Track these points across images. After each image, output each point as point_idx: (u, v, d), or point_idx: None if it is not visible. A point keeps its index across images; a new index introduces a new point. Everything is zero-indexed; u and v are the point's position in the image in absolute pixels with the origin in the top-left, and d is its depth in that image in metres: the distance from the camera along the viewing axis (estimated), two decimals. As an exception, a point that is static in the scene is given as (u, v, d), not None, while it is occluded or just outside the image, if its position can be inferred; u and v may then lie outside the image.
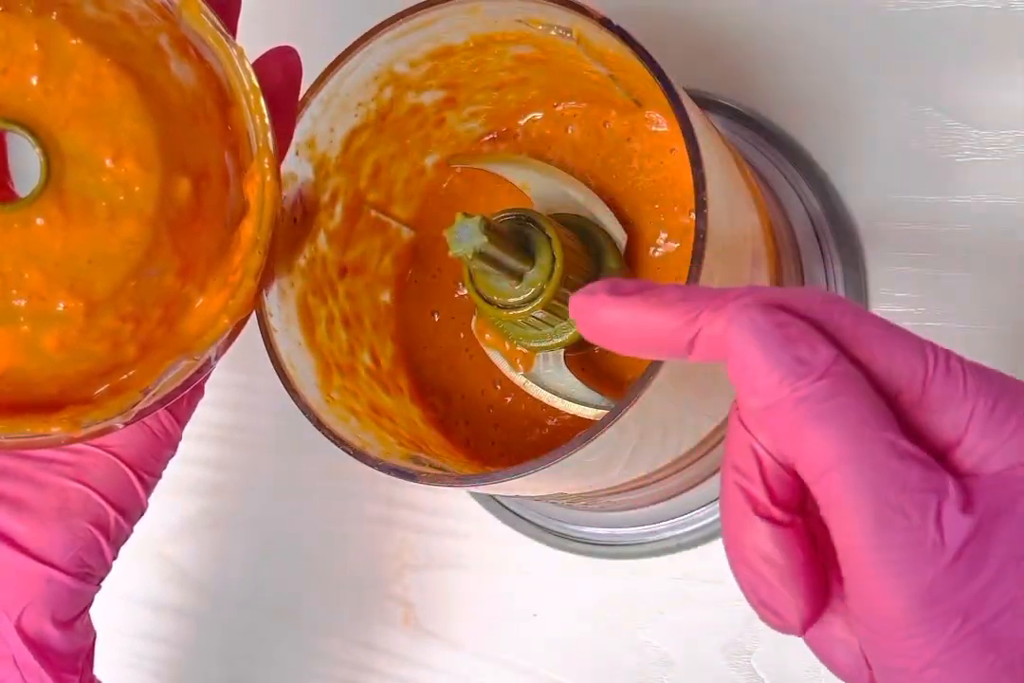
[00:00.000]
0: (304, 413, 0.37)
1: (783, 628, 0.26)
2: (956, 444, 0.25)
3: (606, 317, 0.26)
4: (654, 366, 0.32)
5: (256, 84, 0.34)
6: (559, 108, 0.44)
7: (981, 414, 0.25)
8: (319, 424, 0.37)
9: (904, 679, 0.24)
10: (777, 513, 0.26)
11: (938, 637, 0.23)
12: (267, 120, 0.34)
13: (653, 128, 0.42)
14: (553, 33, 0.38)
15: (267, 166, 0.34)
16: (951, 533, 0.23)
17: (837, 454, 0.24)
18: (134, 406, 0.34)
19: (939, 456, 0.25)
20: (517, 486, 0.37)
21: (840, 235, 0.46)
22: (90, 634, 0.40)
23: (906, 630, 0.23)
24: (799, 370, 0.24)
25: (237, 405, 0.58)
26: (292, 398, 0.37)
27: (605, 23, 0.35)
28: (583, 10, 0.35)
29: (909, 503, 0.23)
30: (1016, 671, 0.23)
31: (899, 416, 0.25)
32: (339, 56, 0.39)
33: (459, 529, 0.53)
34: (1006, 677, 0.23)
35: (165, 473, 0.40)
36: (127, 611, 0.59)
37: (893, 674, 0.24)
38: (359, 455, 0.36)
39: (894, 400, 0.25)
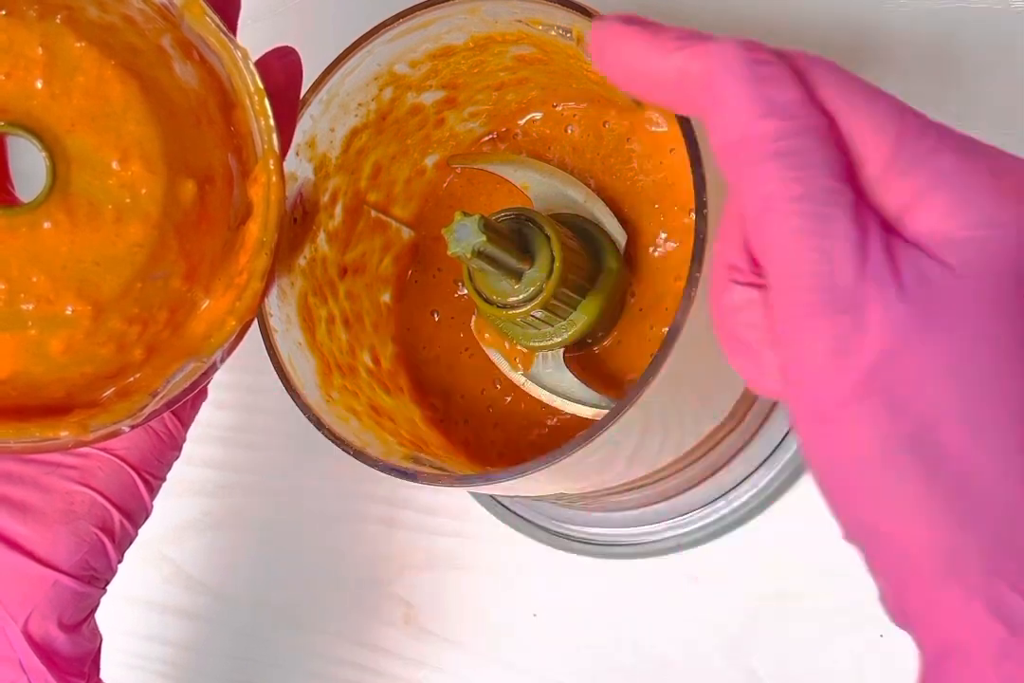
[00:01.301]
0: (304, 413, 0.37)
1: (764, 389, 0.26)
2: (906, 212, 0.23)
3: (615, 49, 0.26)
4: (654, 366, 0.32)
5: (261, 85, 0.34)
6: (559, 108, 0.44)
7: (938, 201, 0.23)
8: (319, 424, 0.37)
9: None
10: (755, 278, 0.25)
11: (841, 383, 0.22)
12: (271, 121, 0.34)
13: (653, 128, 0.42)
14: (553, 33, 0.38)
15: (272, 167, 0.34)
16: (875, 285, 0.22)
17: (776, 193, 0.23)
18: (142, 409, 0.34)
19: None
20: (517, 486, 0.37)
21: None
22: (96, 638, 0.40)
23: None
24: (765, 108, 0.24)
25: (239, 406, 0.58)
26: (292, 398, 0.37)
27: (605, 23, 0.35)
28: (583, 10, 0.35)
29: (836, 247, 0.22)
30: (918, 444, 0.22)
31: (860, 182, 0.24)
32: (339, 56, 0.39)
33: (460, 529, 0.53)
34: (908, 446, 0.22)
35: (168, 474, 0.40)
36: (129, 612, 0.59)
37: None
38: (359, 455, 0.36)
39: (859, 164, 0.24)
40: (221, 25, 0.33)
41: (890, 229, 0.23)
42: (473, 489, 0.44)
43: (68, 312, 0.32)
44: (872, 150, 0.24)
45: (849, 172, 0.23)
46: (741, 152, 0.24)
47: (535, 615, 0.51)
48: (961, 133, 0.24)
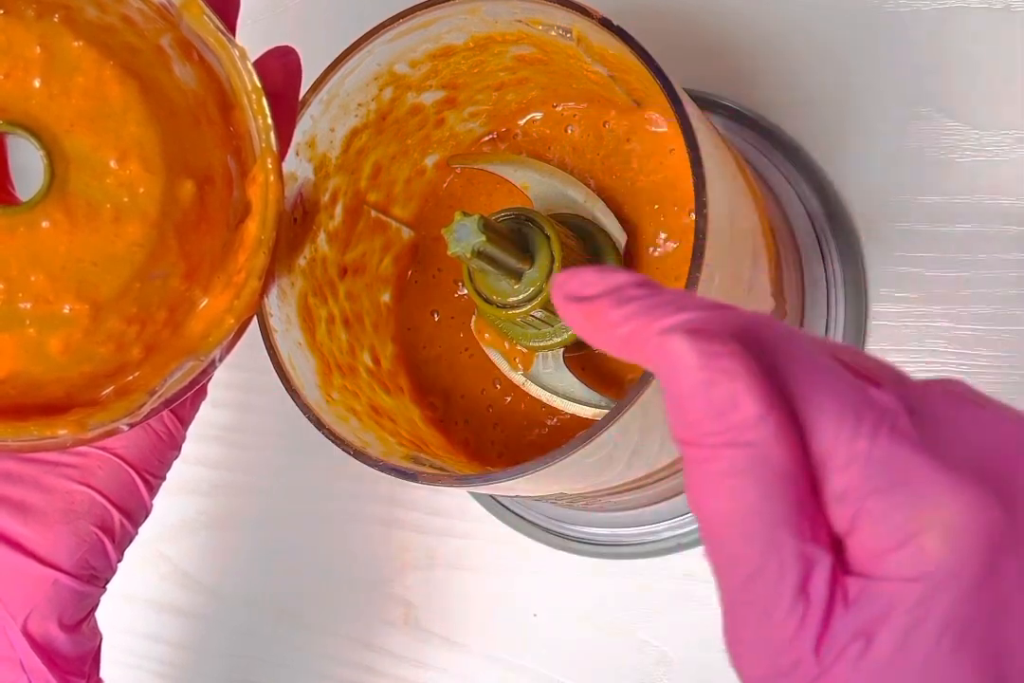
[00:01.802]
0: (304, 413, 0.37)
1: None
2: (847, 535, 0.23)
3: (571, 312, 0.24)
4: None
5: (259, 85, 0.34)
6: (559, 108, 0.44)
7: (867, 522, 0.22)
8: (319, 424, 0.37)
9: None
10: None
11: None
12: (269, 120, 0.34)
13: (653, 128, 0.42)
14: (553, 33, 0.38)
15: (270, 166, 0.34)
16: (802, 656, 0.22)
17: (722, 511, 0.22)
18: (140, 407, 0.34)
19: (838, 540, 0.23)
20: (516, 486, 0.37)
21: (840, 235, 0.46)
22: (96, 637, 0.40)
23: None
24: (714, 426, 0.22)
25: (239, 406, 0.58)
26: (292, 398, 0.37)
27: (605, 23, 0.35)
28: (583, 10, 0.35)
29: (775, 596, 0.22)
30: None
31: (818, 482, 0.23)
32: (339, 56, 0.39)
33: (460, 529, 0.53)
34: None
35: (167, 474, 0.40)
36: (128, 612, 0.59)
37: None
38: (359, 455, 0.36)
39: (817, 463, 0.23)
40: (219, 25, 0.33)
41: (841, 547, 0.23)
42: (473, 489, 0.44)
43: (66, 311, 0.32)
44: (832, 463, 0.22)
45: (804, 488, 0.22)
46: (690, 449, 0.23)
47: (535, 615, 0.51)
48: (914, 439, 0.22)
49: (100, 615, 0.40)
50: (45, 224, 0.31)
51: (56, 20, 0.31)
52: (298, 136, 0.39)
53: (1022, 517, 0.22)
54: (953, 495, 0.22)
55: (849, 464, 0.22)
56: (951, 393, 0.24)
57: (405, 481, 0.45)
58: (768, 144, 0.47)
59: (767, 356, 0.23)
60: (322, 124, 0.40)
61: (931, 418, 0.23)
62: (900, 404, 0.23)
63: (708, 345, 0.22)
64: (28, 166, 0.33)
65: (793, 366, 0.23)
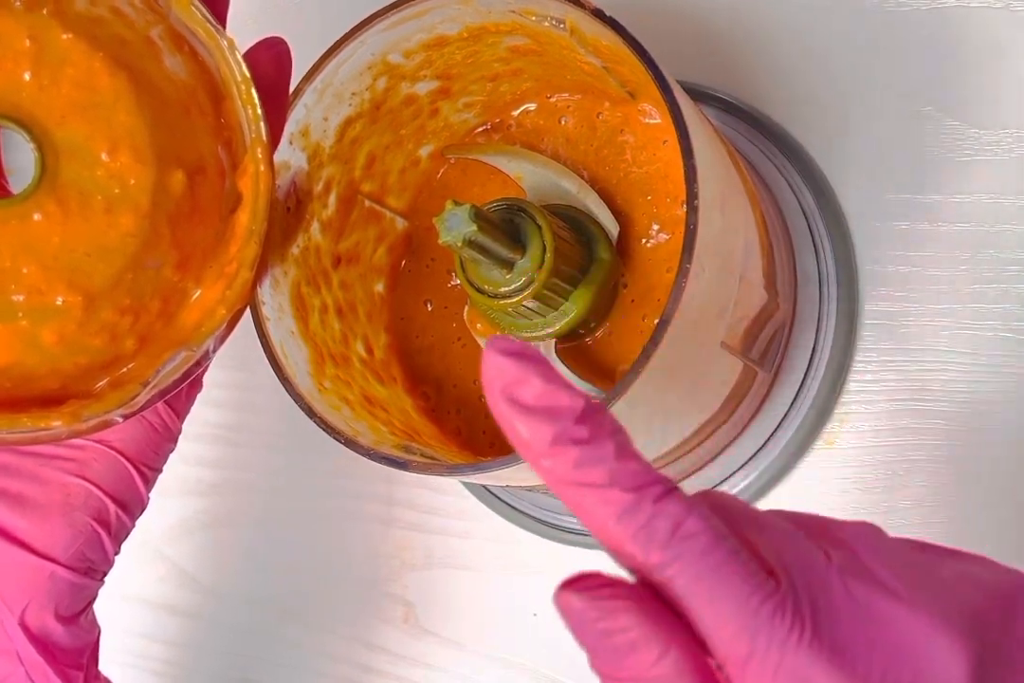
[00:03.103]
0: (296, 402, 0.37)
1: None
2: None
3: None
4: (644, 357, 0.33)
5: (247, 74, 0.34)
6: (553, 99, 0.44)
7: None
8: (311, 413, 0.37)
9: None
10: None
11: None
12: (259, 110, 0.34)
13: (646, 120, 0.42)
14: (547, 24, 0.38)
15: (260, 156, 0.34)
16: None
17: None
18: (134, 398, 0.34)
19: None
20: (507, 475, 0.37)
21: (834, 230, 0.46)
22: (94, 630, 0.40)
23: None
24: (619, 668, 0.24)
25: (237, 404, 0.58)
26: (284, 387, 0.37)
27: (598, 14, 0.35)
28: (576, 1, 0.35)
29: None
30: None
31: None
32: (333, 45, 0.39)
33: (459, 528, 0.53)
34: None
35: (165, 473, 0.40)
36: (127, 611, 0.59)
37: None
38: (351, 444, 0.36)
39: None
40: (207, 15, 0.33)
41: None
42: (464, 478, 0.44)
43: (59, 302, 0.32)
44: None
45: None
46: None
47: (535, 615, 0.51)
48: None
49: (99, 615, 0.40)
50: (37, 216, 0.31)
51: (45, 13, 0.31)
52: (291, 125, 0.39)
53: None
54: None
55: (760, 672, 0.23)
56: (858, 569, 0.25)
57: (406, 482, 0.45)
58: (762, 137, 0.48)
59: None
60: (316, 113, 0.40)
61: (837, 609, 0.24)
62: (803, 597, 0.24)
63: (602, 602, 0.24)
64: (27, 167, 0.33)
65: (703, 559, 0.24)
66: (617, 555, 0.24)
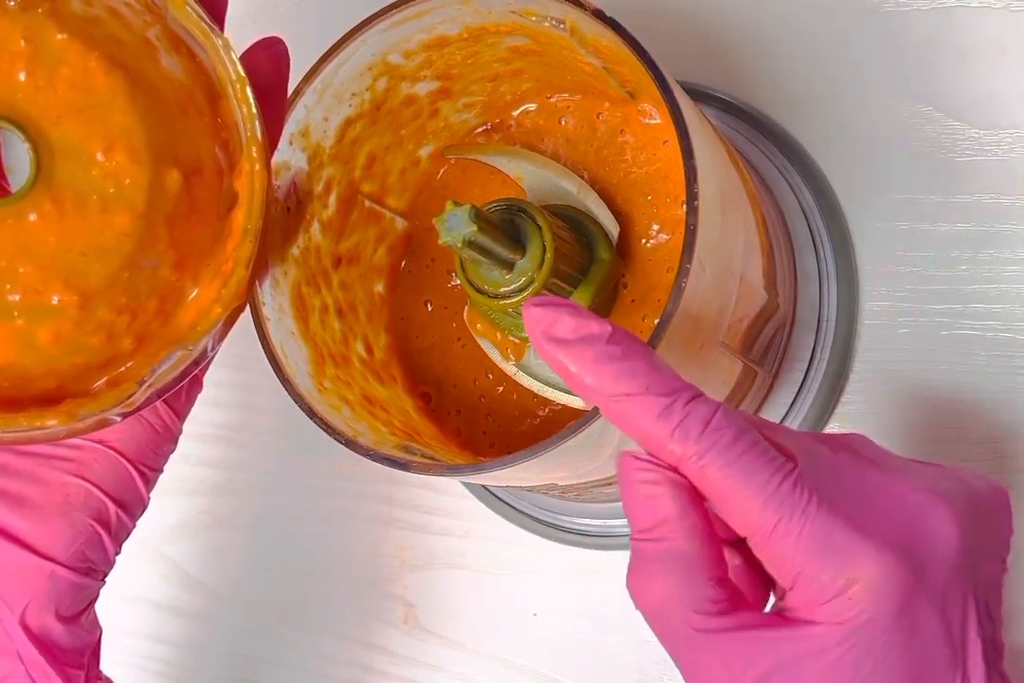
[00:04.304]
0: (296, 402, 0.37)
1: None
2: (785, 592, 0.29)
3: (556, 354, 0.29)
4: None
5: (242, 74, 0.34)
6: (553, 100, 0.44)
7: (804, 580, 0.28)
8: (311, 413, 0.37)
9: None
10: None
11: None
12: (254, 110, 0.34)
13: (646, 120, 0.42)
14: (547, 24, 0.38)
15: (255, 155, 0.34)
16: None
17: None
18: (130, 397, 0.34)
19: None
20: (507, 476, 0.37)
21: (834, 230, 0.46)
22: (96, 629, 0.40)
23: None
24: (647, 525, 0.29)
25: (238, 405, 0.58)
26: (284, 387, 0.37)
27: (598, 14, 0.35)
28: (576, 1, 0.35)
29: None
30: None
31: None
32: (333, 46, 0.39)
33: (459, 528, 0.53)
34: None
35: (166, 473, 0.40)
36: (129, 612, 0.59)
37: None
38: (351, 444, 0.36)
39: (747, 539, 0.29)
40: (203, 15, 0.33)
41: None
42: (464, 479, 0.44)
43: (55, 302, 0.32)
44: (768, 535, 0.28)
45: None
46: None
47: (535, 614, 0.51)
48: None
49: (100, 615, 0.40)
50: (33, 215, 0.31)
51: (40, 13, 0.31)
52: (292, 125, 0.39)
53: (928, 574, 0.28)
54: (872, 559, 0.28)
55: (786, 536, 0.28)
56: (858, 457, 0.31)
57: (405, 482, 0.45)
58: (762, 137, 0.48)
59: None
60: (316, 113, 0.40)
61: (845, 484, 0.29)
62: (816, 476, 0.29)
63: (648, 474, 0.29)
64: (23, 166, 0.33)
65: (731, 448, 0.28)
66: (659, 453, 0.29)
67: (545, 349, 0.29)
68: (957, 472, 0.32)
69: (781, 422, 0.46)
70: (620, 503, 0.49)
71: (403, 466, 0.36)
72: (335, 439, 0.37)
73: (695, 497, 0.29)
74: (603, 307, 0.41)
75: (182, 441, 0.40)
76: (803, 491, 0.28)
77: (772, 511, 0.28)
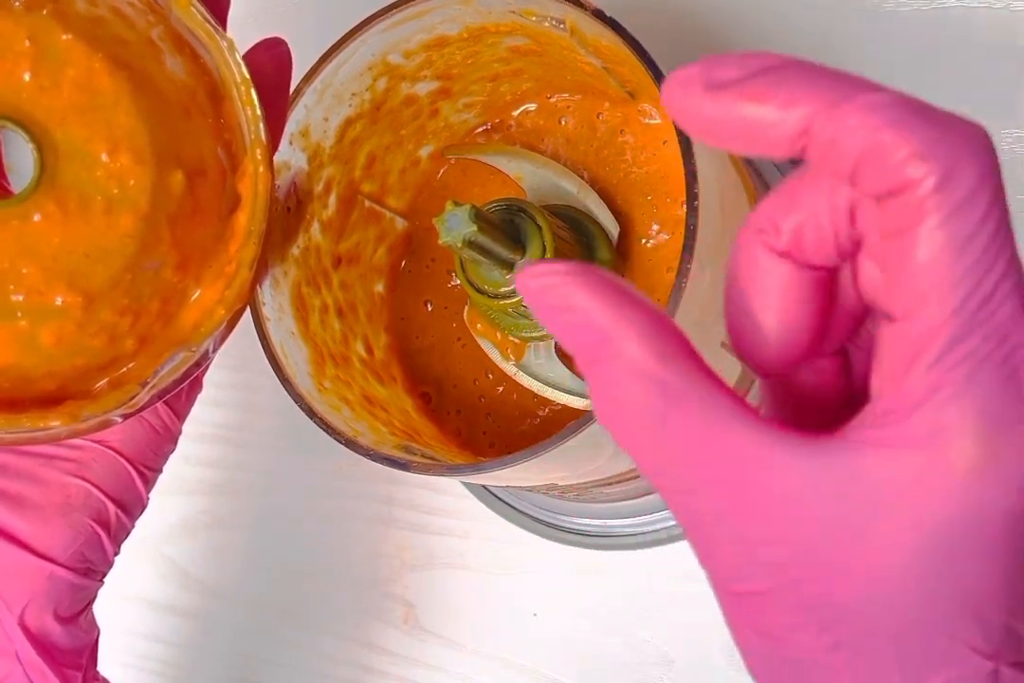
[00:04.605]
0: (296, 402, 0.37)
1: (756, 364, 0.23)
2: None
3: (703, 112, 0.21)
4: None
5: (246, 75, 0.34)
6: (553, 100, 0.44)
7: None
8: (311, 413, 0.37)
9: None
10: (791, 249, 0.22)
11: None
12: (259, 111, 0.34)
13: (646, 120, 0.42)
14: (547, 24, 0.38)
15: (259, 157, 0.34)
16: None
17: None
18: (132, 399, 0.34)
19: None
20: (507, 476, 0.37)
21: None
22: (94, 630, 0.40)
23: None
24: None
25: (238, 405, 0.58)
26: (284, 387, 0.37)
27: (598, 14, 0.35)
28: (576, 1, 0.35)
29: None
30: None
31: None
32: (333, 46, 0.39)
33: (459, 528, 0.53)
34: None
35: (166, 473, 0.40)
36: (128, 611, 0.59)
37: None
38: (351, 444, 0.36)
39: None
40: (207, 15, 0.33)
41: None
42: (464, 479, 0.44)
43: (59, 303, 0.32)
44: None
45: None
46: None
47: (535, 615, 0.51)
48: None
49: (100, 615, 0.40)
50: (37, 216, 0.31)
51: (45, 13, 0.31)
52: (292, 125, 0.39)
53: None
54: None
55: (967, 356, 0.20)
56: None
57: (405, 482, 0.45)
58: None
59: None
60: (316, 113, 0.40)
61: None
62: None
63: (551, 279, 0.22)
64: (26, 167, 0.33)
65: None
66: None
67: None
68: None
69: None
70: (620, 503, 0.49)
71: (403, 466, 0.36)
72: (335, 439, 0.37)
73: (628, 291, 0.22)
74: (603, 307, 0.41)
75: (183, 441, 0.40)
76: None
77: (967, 317, 0.20)
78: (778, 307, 0.23)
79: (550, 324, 0.22)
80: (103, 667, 0.41)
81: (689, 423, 0.21)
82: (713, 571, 0.22)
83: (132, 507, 0.39)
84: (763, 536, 0.21)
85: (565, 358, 0.41)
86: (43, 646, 0.37)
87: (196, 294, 0.35)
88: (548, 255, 0.38)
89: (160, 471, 0.40)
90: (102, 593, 0.40)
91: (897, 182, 0.20)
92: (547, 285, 0.22)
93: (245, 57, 0.35)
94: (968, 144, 0.20)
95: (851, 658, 0.21)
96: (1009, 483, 0.20)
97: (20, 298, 0.31)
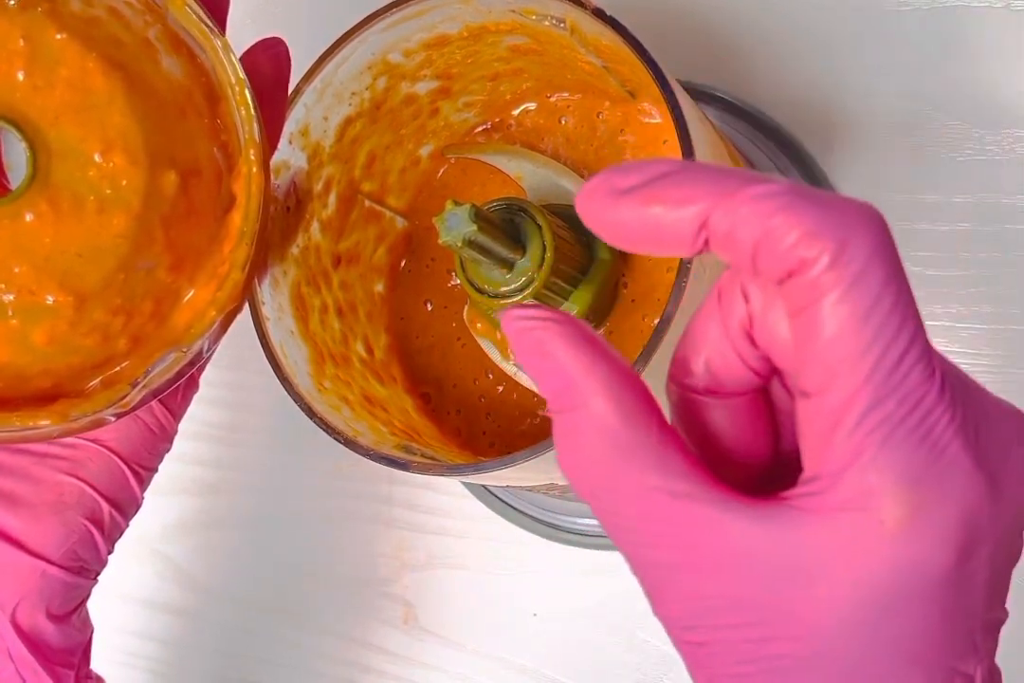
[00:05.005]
0: (296, 402, 0.37)
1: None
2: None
3: (609, 218, 0.23)
4: (642, 357, 0.33)
5: (241, 76, 0.34)
6: (553, 99, 0.44)
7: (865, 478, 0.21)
8: (311, 413, 0.37)
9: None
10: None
11: None
12: (253, 111, 0.34)
13: (646, 120, 0.42)
14: (547, 23, 0.38)
15: (253, 158, 0.34)
16: None
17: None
18: (123, 398, 0.34)
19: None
20: (507, 476, 0.37)
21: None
22: (87, 629, 0.40)
23: None
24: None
25: (234, 404, 0.58)
26: (284, 387, 0.37)
27: (598, 13, 0.35)
28: (576, 0, 0.35)
29: None
30: None
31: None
32: (333, 44, 0.39)
33: (459, 528, 0.53)
34: None
35: (162, 472, 0.40)
36: (124, 610, 0.59)
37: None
38: (351, 444, 0.36)
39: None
40: (203, 16, 0.33)
41: None
42: (464, 479, 0.44)
43: (50, 302, 0.32)
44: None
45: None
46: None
47: (535, 615, 0.51)
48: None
49: (95, 614, 0.40)
50: (29, 216, 0.31)
51: (40, 12, 0.31)
52: (291, 125, 0.39)
53: (999, 519, 0.22)
54: (971, 480, 0.21)
55: (883, 422, 0.21)
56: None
57: (405, 482, 0.45)
58: (763, 137, 0.47)
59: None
60: (315, 113, 0.40)
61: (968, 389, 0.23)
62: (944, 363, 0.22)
63: (530, 323, 0.23)
64: (20, 165, 0.33)
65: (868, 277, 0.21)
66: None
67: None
68: None
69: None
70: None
71: (403, 466, 0.36)
72: (335, 439, 0.37)
73: (601, 346, 0.23)
74: (603, 307, 0.41)
75: (179, 440, 0.40)
76: (933, 372, 0.21)
77: (878, 384, 0.21)
78: (724, 438, 0.24)
79: (526, 366, 0.23)
80: (97, 665, 0.41)
81: (643, 482, 0.22)
82: (665, 620, 0.23)
83: (126, 506, 0.39)
84: (711, 592, 0.22)
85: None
86: (35, 644, 0.37)
87: (190, 294, 0.35)
88: (548, 254, 0.38)
89: (155, 470, 0.40)
90: (97, 591, 0.40)
91: (793, 263, 0.21)
92: (527, 328, 0.23)
93: (243, 57, 0.34)
94: (858, 220, 0.21)
95: None
96: (935, 536, 0.21)
97: (11, 297, 0.31)
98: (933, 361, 0.21)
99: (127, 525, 0.40)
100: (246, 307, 0.37)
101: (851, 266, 0.21)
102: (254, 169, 0.34)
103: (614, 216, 0.22)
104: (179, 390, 0.38)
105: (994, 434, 0.22)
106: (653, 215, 0.22)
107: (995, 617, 0.23)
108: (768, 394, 0.25)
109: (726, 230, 0.21)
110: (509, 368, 0.42)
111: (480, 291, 0.39)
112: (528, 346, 0.23)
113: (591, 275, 0.40)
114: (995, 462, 0.22)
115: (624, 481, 0.22)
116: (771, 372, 0.24)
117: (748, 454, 0.25)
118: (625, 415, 0.22)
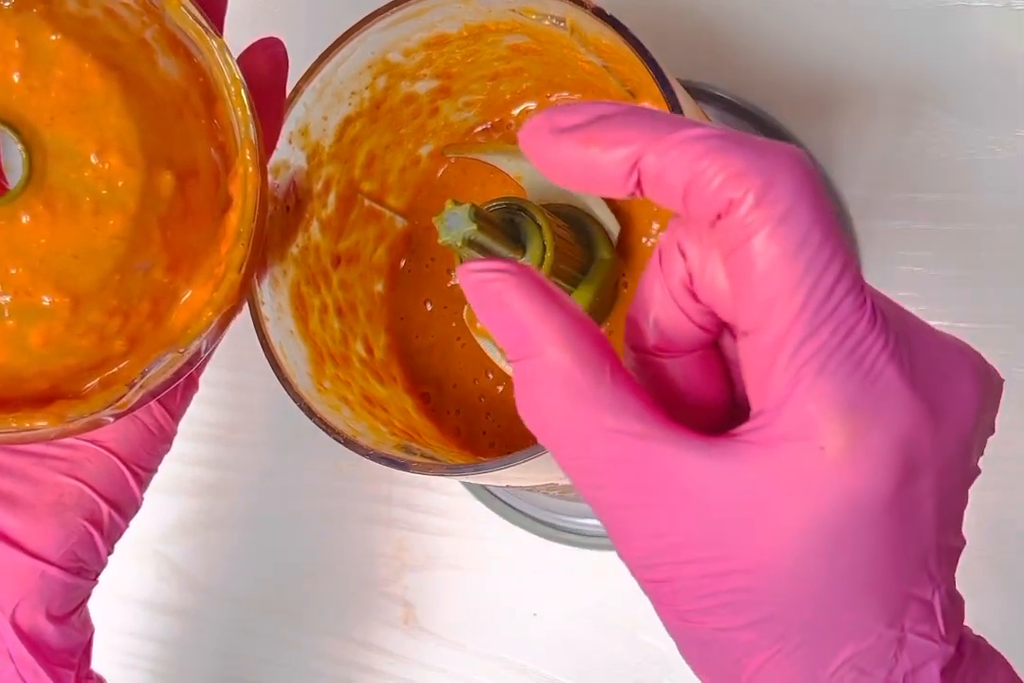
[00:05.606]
0: (296, 402, 0.37)
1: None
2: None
3: (549, 155, 0.23)
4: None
5: (237, 76, 0.34)
6: (553, 98, 0.44)
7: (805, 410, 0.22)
8: (310, 413, 0.37)
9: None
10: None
11: None
12: (249, 112, 0.34)
13: (647, 119, 0.42)
14: (547, 23, 0.38)
15: (249, 158, 0.34)
16: None
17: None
18: (120, 399, 0.34)
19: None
20: (507, 476, 0.37)
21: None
22: (87, 629, 0.40)
23: None
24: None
25: (234, 404, 0.58)
26: (283, 386, 0.37)
27: (598, 13, 0.35)
28: (576, 0, 0.35)
29: None
30: None
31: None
32: (332, 44, 0.39)
33: (459, 529, 0.53)
34: None
35: (161, 472, 0.40)
36: (124, 611, 0.59)
37: None
38: (350, 444, 0.36)
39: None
40: (199, 16, 0.33)
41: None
42: (464, 479, 0.44)
43: (46, 303, 0.32)
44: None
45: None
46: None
47: (535, 615, 0.51)
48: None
49: (95, 614, 0.40)
50: (24, 217, 0.31)
51: (35, 13, 0.31)
52: (291, 124, 0.39)
53: (943, 443, 0.23)
54: (907, 409, 0.22)
55: (817, 352, 0.22)
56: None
57: (404, 481, 0.44)
58: (763, 136, 0.47)
59: None
60: (315, 112, 0.40)
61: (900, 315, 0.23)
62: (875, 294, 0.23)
63: (487, 275, 0.23)
64: (16, 166, 0.33)
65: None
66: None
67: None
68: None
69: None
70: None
71: (403, 466, 0.36)
72: (335, 439, 0.36)
73: (556, 295, 0.23)
74: (604, 307, 0.41)
75: (179, 440, 0.40)
76: (864, 301, 0.22)
77: (811, 315, 0.21)
78: (681, 395, 0.25)
79: (483, 317, 0.24)
80: (97, 666, 0.41)
81: (600, 424, 0.23)
82: (628, 561, 0.24)
83: (125, 507, 0.39)
84: (668, 529, 0.23)
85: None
86: (35, 645, 0.37)
87: (187, 295, 0.34)
88: (548, 254, 0.38)
89: (154, 471, 0.40)
90: (97, 592, 0.40)
91: (722, 204, 0.22)
92: (484, 280, 0.23)
93: (241, 57, 0.34)
94: (783, 161, 0.22)
95: (763, 637, 0.23)
96: (874, 461, 0.22)
97: (7, 299, 0.31)
98: (864, 292, 0.22)
99: (127, 526, 0.40)
100: (246, 307, 0.37)
101: (778, 204, 0.21)
102: (250, 169, 0.34)
103: (555, 154, 0.23)
104: (178, 391, 0.38)
105: (935, 365, 0.23)
106: (590, 155, 0.23)
107: (949, 544, 0.24)
108: (719, 349, 0.26)
109: (657, 172, 0.22)
110: (508, 368, 0.42)
111: (480, 291, 0.39)
112: (485, 298, 0.23)
113: (591, 275, 0.40)
114: (934, 389, 0.23)
115: (582, 425, 0.23)
116: (719, 327, 0.25)
117: (706, 408, 0.25)
118: (581, 361, 0.23)
